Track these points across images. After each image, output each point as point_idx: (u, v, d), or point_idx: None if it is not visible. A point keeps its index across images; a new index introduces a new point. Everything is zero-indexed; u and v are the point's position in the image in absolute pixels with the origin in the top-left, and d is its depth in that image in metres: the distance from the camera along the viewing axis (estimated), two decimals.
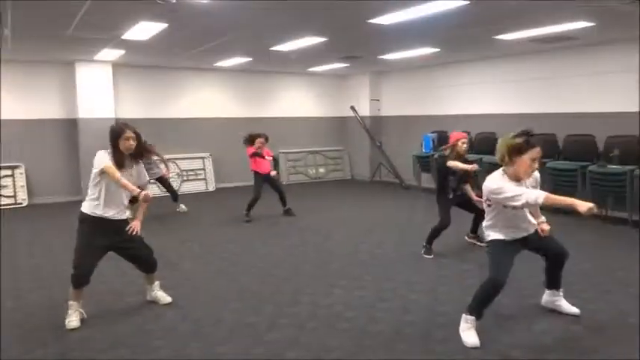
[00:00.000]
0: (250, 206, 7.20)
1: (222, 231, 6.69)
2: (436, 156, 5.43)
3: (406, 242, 5.94)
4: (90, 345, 3.33)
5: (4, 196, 8.68)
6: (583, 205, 2.77)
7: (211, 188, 10.42)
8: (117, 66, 9.29)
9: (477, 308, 3.30)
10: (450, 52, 8.28)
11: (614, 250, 5.50)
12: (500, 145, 3.15)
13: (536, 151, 3.01)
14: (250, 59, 8.88)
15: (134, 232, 3.73)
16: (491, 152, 8.46)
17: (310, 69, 10.70)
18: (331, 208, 7.28)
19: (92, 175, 3.66)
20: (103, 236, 3.62)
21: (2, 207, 8.50)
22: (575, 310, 3.64)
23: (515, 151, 3.04)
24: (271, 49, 7.58)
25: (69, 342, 3.39)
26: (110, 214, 3.65)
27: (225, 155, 10.48)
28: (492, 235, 3.34)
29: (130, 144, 3.65)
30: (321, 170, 12.00)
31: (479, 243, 5.50)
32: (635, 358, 3.00)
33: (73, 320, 3.58)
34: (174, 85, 10.20)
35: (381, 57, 8.76)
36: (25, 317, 3.80)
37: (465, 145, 5.30)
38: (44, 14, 5.29)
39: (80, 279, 3.56)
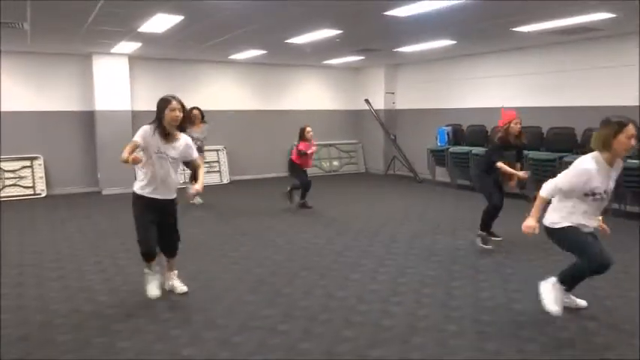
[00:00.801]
0: (303, 194, 7.49)
1: (234, 223, 6.72)
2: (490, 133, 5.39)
3: (420, 236, 5.92)
4: (108, 333, 3.39)
5: (22, 187, 8.83)
6: (525, 223, 3.29)
7: (225, 181, 10.48)
8: (133, 59, 9.36)
9: (568, 281, 3.40)
10: (466, 44, 8.20)
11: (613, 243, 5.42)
12: (596, 137, 3.20)
13: (630, 129, 3.07)
14: (265, 52, 8.89)
15: (195, 193, 4.08)
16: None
17: (325, 62, 10.67)
18: (345, 202, 7.28)
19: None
20: (152, 213, 3.75)
21: (21, 197, 8.66)
22: (583, 302, 3.68)
23: (612, 135, 3.10)
24: (286, 41, 7.58)
25: (86, 329, 3.44)
26: (156, 195, 3.73)
27: (240, 148, 10.53)
28: (564, 222, 3.31)
29: (176, 115, 3.63)
30: (335, 163, 12.00)
31: (493, 238, 5.44)
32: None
33: (151, 289, 3.86)
34: (189, 78, 10.24)
35: (397, 50, 8.69)
36: (44, 304, 3.87)
37: (517, 126, 5.10)
38: (62, 7, 5.35)
39: (146, 253, 3.78)
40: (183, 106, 3.70)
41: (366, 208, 7.60)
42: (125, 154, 3.54)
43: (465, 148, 9.04)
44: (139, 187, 3.77)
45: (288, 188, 7.46)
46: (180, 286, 4.08)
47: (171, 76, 10.04)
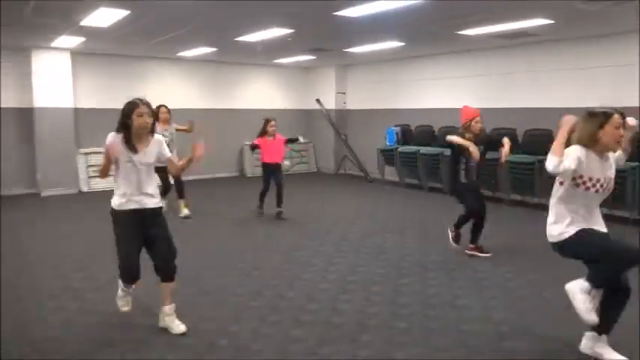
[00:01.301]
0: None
1: (181, 222, 6.58)
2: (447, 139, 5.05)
3: (370, 235, 6.00)
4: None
5: None
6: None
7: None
8: (76, 54, 8.98)
9: (599, 282, 2.80)
10: (414, 46, 8.38)
11: None
12: (580, 131, 2.85)
13: (616, 118, 2.76)
14: (215, 49, 8.75)
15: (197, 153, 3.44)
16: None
17: (276, 60, 10.63)
18: (297, 201, 7.29)
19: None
20: (136, 227, 3.26)
21: None
22: (621, 358, 2.89)
23: (597, 128, 2.78)
24: (236, 39, 7.49)
25: (84, 341, 3.28)
26: (135, 205, 3.25)
27: (189, 148, 10.30)
28: (571, 229, 2.86)
29: (145, 121, 3.23)
30: (287, 163, 11.93)
31: (481, 254, 5.04)
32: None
33: (123, 303, 3.45)
34: (136, 75, 9.93)
35: (347, 50, 8.78)
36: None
37: (478, 125, 4.93)
38: None
39: (128, 272, 3.28)
40: (152, 109, 3.34)
41: (317, 208, 7.63)
42: (103, 172, 3.30)
43: (413, 148, 9.25)
44: (116, 202, 3.28)
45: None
46: (177, 326, 3.36)
47: (117, 73, 9.70)
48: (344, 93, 11.71)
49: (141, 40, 7.72)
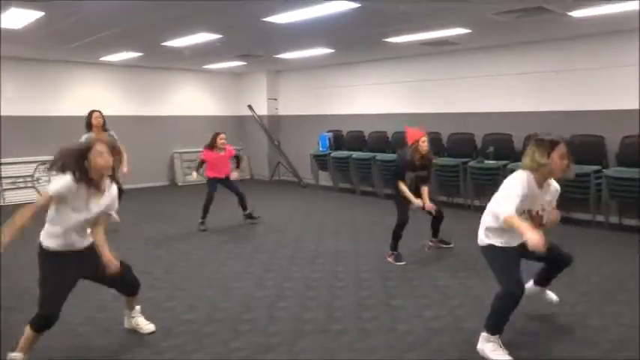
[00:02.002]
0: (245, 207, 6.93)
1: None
2: (396, 155, 5.15)
3: (305, 240, 6.02)
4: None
5: None
6: (532, 240, 2.65)
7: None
8: None
9: (497, 325, 3.04)
10: (344, 53, 8.53)
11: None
12: (528, 155, 2.99)
13: (562, 147, 2.91)
14: (141, 54, 8.45)
15: (113, 270, 3.05)
16: (384, 150, 8.94)
17: (206, 66, 10.44)
18: (229, 209, 7.17)
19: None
20: (75, 268, 2.98)
21: None
22: (555, 297, 3.58)
23: (544, 155, 2.91)
24: (163, 44, 7.27)
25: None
26: (74, 248, 2.99)
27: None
28: (492, 241, 3.11)
29: (106, 160, 2.88)
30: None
31: (444, 245, 5.47)
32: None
33: None
34: (56, 80, 9.38)
35: (278, 56, 8.78)
36: None
37: (425, 144, 4.97)
38: None
39: (49, 317, 2.89)
40: (112, 146, 2.98)
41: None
42: (19, 221, 2.73)
43: (345, 153, 9.40)
44: (53, 242, 2.94)
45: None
46: (145, 325, 3.45)
47: (36, 78, 9.12)
48: (276, 99, 11.69)
49: (60, 44, 7.30)
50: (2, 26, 5.84)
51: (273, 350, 3.21)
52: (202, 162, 6.72)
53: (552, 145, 2.92)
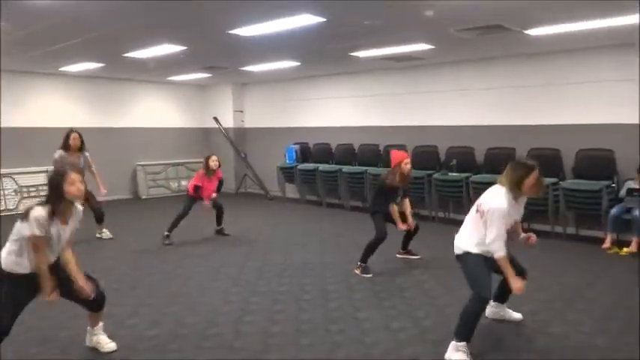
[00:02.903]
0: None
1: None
2: (380, 177, 5.47)
3: (272, 253, 5.97)
4: None
5: None
6: (517, 286, 3.20)
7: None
8: None
9: (466, 331, 3.19)
10: (310, 66, 8.59)
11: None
12: (507, 177, 3.24)
13: (536, 172, 3.20)
14: (102, 65, 8.27)
15: (84, 294, 3.06)
16: (350, 162, 9.01)
17: (170, 78, 10.30)
18: (196, 221, 7.05)
19: (16, 230, 2.94)
20: (33, 290, 2.95)
21: None
22: (519, 316, 3.82)
23: (520, 178, 3.18)
24: (125, 55, 7.14)
25: None
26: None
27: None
28: (472, 249, 3.30)
29: (79, 188, 2.96)
30: (184, 183, 11.56)
31: (411, 257, 5.58)
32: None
33: None
34: (12, 91, 9.05)
35: (243, 68, 8.76)
36: None
37: (408, 166, 5.14)
38: None
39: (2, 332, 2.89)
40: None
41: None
42: (46, 280, 2.89)
43: (312, 165, 9.41)
44: (12, 263, 2.93)
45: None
46: (107, 343, 3.36)
47: None
48: (242, 111, 11.64)
49: (17, 53, 7.07)
50: None
51: None
52: (198, 188, 6.51)
53: (528, 170, 3.20)
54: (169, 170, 11.22)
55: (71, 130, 6.42)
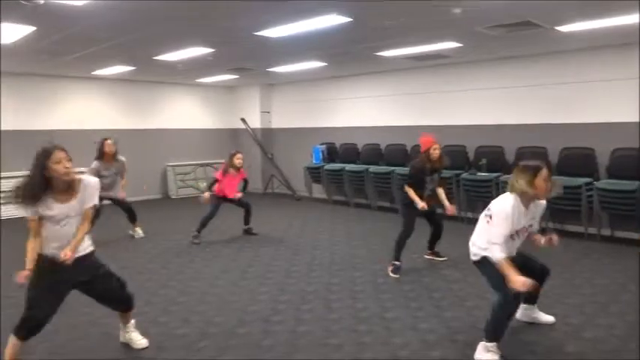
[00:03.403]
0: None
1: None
2: (408, 166, 5.38)
3: (299, 253, 6.00)
4: None
5: None
6: (516, 283, 2.98)
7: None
8: None
9: (497, 332, 3.17)
10: (336, 66, 8.59)
11: None
12: (514, 182, 3.19)
13: (544, 172, 3.13)
14: (134, 68, 8.46)
15: (66, 260, 2.92)
16: (376, 162, 8.98)
17: (199, 80, 10.47)
18: (223, 221, 7.14)
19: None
20: (64, 274, 2.97)
21: None
22: (551, 318, 3.75)
23: (528, 181, 3.12)
24: (155, 58, 7.29)
25: None
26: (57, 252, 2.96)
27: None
28: (486, 253, 3.24)
29: (65, 167, 2.89)
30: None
31: (437, 259, 5.51)
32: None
33: None
34: (46, 95, 9.35)
35: (271, 69, 8.83)
36: None
37: (437, 151, 5.06)
38: None
39: (35, 326, 2.94)
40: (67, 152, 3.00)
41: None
42: (30, 256, 2.90)
43: (339, 166, 9.42)
44: (45, 249, 2.99)
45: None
46: (139, 340, 3.46)
47: (26, 93, 9.08)
48: (268, 112, 11.72)
49: (51, 58, 7.29)
50: None
51: None
52: (216, 180, 6.64)
53: (535, 171, 3.12)
54: (198, 171, 11.40)
55: (105, 138, 6.51)
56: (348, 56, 7.50)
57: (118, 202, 6.72)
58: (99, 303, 3.33)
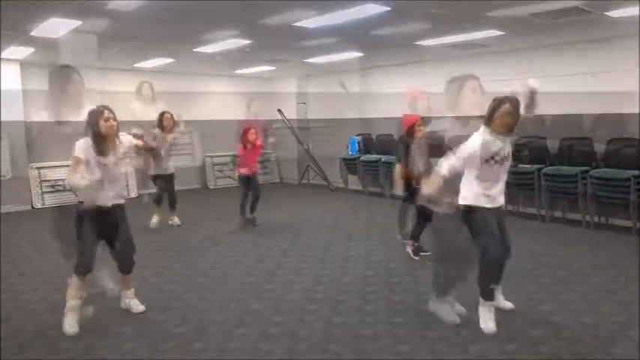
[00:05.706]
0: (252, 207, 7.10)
1: (142, 238, 6.40)
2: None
3: (335, 244, 6.01)
4: None
5: None
6: (426, 183, 3.32)
7: (133, 194, 9.97)
8: (26, 65, 8.65)
9: (489, 282, 3.39)
10: (373, 56, 8.51)
11: (525, 244, 5.86)
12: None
13: (505, 107, 3.34)
14: (173, 60, 8.62)
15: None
16: None
17: (236, 71, 10.57)
18: (260, 212, 7.22)
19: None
20: (98, 223, 3.57)
21: None
22: (509, 305, 3.76)
23: (492, 112, 3.40)
24: (195, 50, 7.40)
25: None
26: (100, 202, 3.56)
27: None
28: (470, 201, 3.40)
29: (112, 125, 3.57)
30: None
31: (422, 253, 5.18)
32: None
33: (70, 324, 3.51)
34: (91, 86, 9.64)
35: (307, 60, 8.82)
36: None
37: (421, 127, 4.79)
38: None
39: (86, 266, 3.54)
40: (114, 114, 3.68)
41: (281, 218, 7.58)
42: (80, 181, 3.37)
43: (375, 157, 9.35)
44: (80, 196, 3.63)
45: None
46: (137, 305, 3.89)
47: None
48: (304, 103, 11.74)
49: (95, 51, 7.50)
50: (41, 35, 6.05)
51: (303, 354, 3.21)
52: (237, 157, 7.01)
53: (496, 105, 3.35)
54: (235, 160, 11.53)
55: (164, 112, 7.05)
56: (385, 46, 7.40)
57: (168, 184, 7.00)
58: (112, 258, 3.76)
